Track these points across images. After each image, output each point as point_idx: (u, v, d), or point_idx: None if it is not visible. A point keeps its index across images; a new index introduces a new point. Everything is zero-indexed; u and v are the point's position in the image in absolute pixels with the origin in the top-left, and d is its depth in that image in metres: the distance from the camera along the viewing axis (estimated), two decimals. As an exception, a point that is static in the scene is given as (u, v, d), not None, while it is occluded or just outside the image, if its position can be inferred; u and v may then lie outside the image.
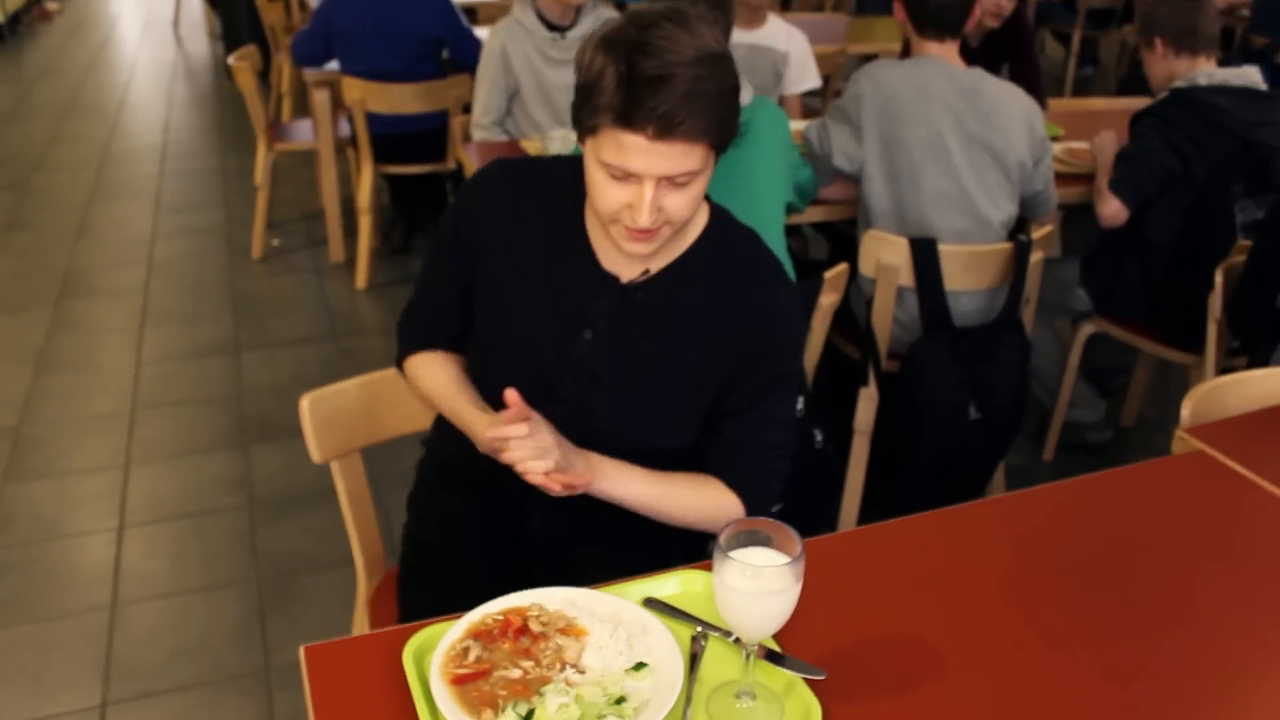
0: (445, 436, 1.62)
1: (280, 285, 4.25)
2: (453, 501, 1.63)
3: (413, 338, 1.61)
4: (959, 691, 1.16)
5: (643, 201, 1.29)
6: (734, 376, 1.47)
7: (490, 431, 1.33)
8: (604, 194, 1.32)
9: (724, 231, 1.47)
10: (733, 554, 1.07)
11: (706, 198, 1.48)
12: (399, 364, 1.63)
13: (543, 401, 1.41)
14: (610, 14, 3.18)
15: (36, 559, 2.66)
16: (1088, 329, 2.95)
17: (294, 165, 5.35)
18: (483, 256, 1.49)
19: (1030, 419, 3.13)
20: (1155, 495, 1.55)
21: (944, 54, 2.51)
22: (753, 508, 1.47)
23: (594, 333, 1.45)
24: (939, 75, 2.46)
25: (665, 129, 1.23)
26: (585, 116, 1.30)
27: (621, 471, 1.44)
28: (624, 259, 1.43)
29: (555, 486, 1.35)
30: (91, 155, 5.77)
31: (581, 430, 1.44)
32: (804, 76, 3.56)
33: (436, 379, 1.57)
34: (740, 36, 3.22)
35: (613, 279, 1.45)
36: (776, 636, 1.20)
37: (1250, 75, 2.65)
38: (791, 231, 3.22)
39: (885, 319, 2.54)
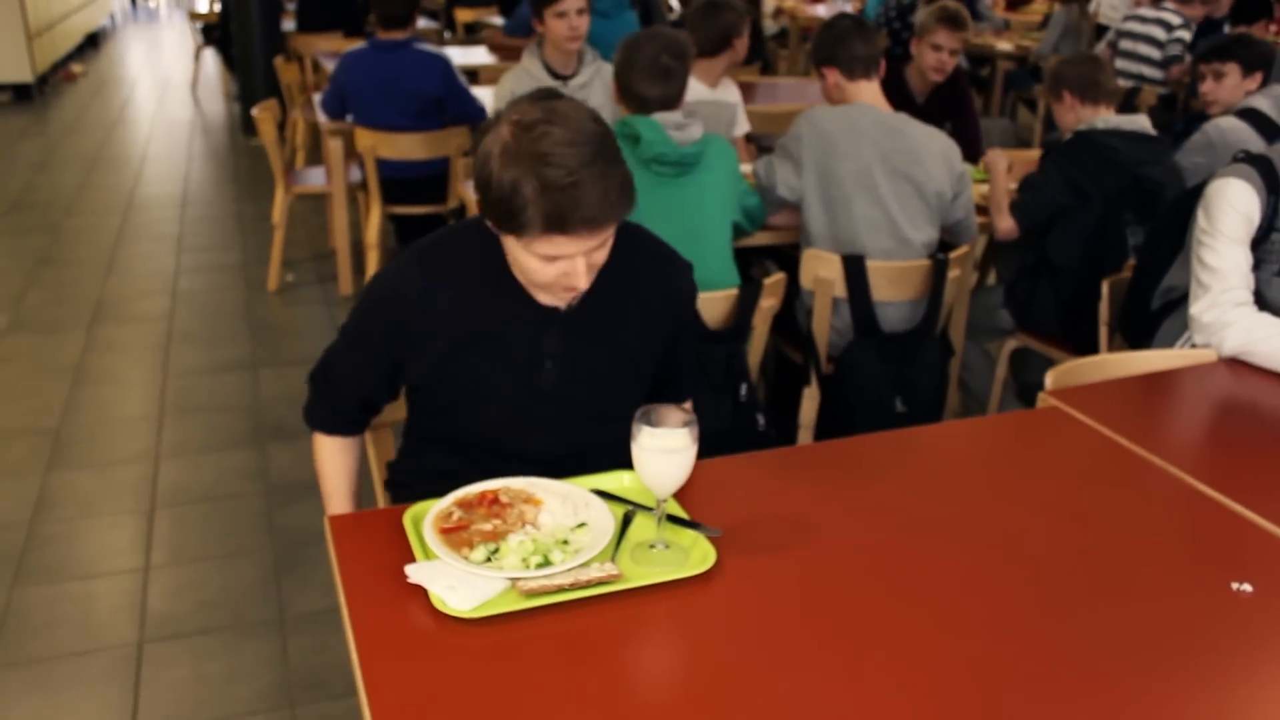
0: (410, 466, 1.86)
1: (293, 314, 4.65)
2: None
3: (323, 418, 1.81)
4: (825, 558, 1.49)
5: (578, 272, 1.50)
6: (671, 340, 1.78)
7: None
8: (538, 273, 1.51)
9: (625, 236, 1.63)
10: (646, 426, 1.45)
11: None
12: (308, 422, 1.84)
13: (523, 435, 1.69)
14: (607, 68, 3.61)
15: (78, 532, 3.03)
16: (1011, 344, 3.35)
17: (305, 210, 5.78)
18: (418, 345, 1.64)
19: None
20: (1016, 441, 1.90)
21: (872, 96, 2.93)
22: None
23: (553, 361, 1.66)
24: (868, 118, 2.88)
25: (594, 227, 1.45)
26: (510, 222, 1.46)
27: None
28: None
29: None
30: (117, 201, 6.21)
31: (564, 444, 1.72)
32: (742, 123, 3.98)
33: (333, 469, 1.80)
34: (706, 94, 3.66)
35: (553, 311, 1.64)
36: (687, 510, 1.56)
37: (1140, 122, 3.09)
38: (756, 258, 3.64)
39: (823, 326, 2.94)
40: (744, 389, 2.68)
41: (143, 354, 4.19)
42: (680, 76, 2.67)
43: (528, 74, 3.64)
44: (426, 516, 1.52)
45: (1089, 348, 3.06)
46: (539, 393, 1.69)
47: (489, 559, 1.44)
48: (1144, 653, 1.32)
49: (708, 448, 1.53)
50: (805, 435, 3.01)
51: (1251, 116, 3.36)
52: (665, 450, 1.44)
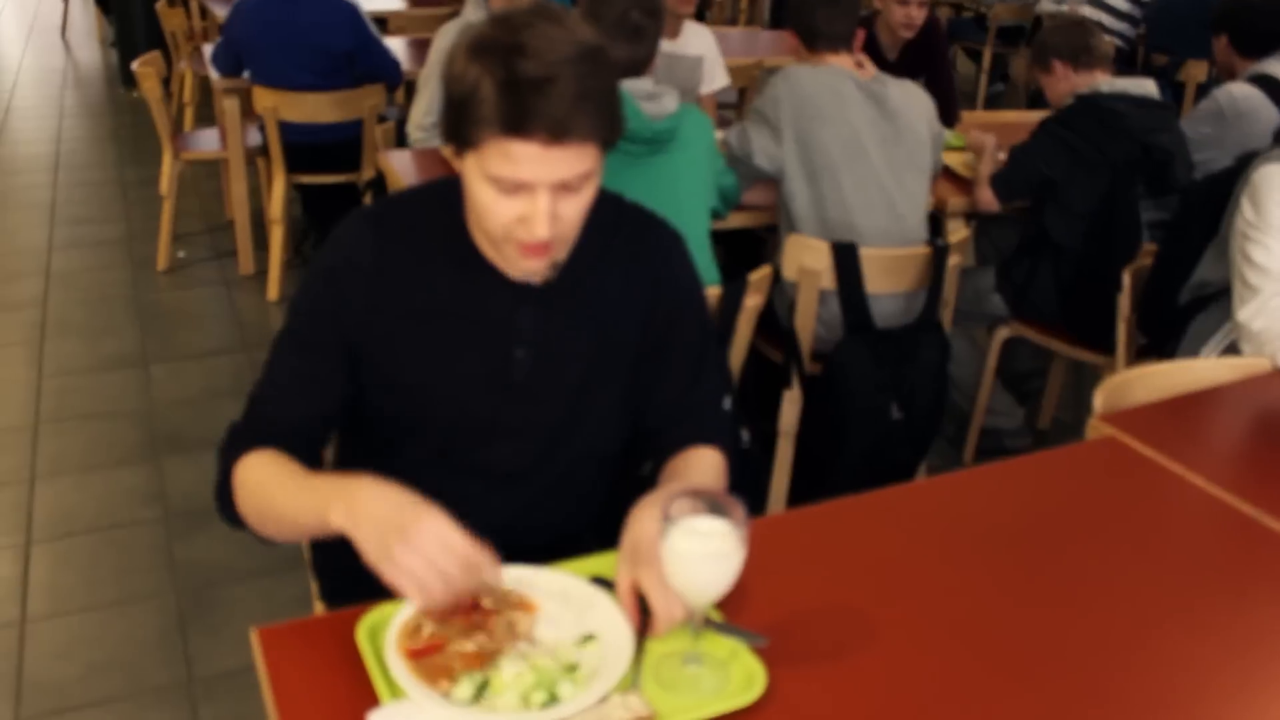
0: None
1: (188, 298, 4.16)
2: None
3: (250, 434, 1.35)
4: (892, 656, 1.22)
5: (537, 212, 1.23)
6: (665, 340, 1.47)
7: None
8: (493, 211, 1.25)
9: (603, 204, 1.38)
10: (681, 521, 1.10)
11: None
12: (222, 486, 1.34)
13: (484, 442, 1.41)
14: None
15: (-64, 577, 2.56)
16: (1003, 333, 3.07)
17: (198, 176, 5.22)
18: (369, 321, 1.37)
19: (949, 424, 3.23)
20: (1072, 478, 1.64)
21: (841, 64, 2.62)
22: (727, 449, 1.50)
23: (525, 348, 1.40)
24: (848, 80, 2.57)
25: (558, 133, 1.18)
26: (464, 130, 1.22)
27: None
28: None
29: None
30: (-22, 164, 5.57)
31: (532, 454, 1.44)
32: (714, 76, 3.65)
33: (267, 471, 1.30)
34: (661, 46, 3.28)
35: (528, 286, 1.38)
36: (721, 613, 1.24)
37: (1147, 86, 2.83)
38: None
39: (808, 321, 2.61)
40: (727, 401, 2.34)
41: (11, 349, 3.66)
42: (652, 36, 2.32)
43: (471, 27, 3.20)
44: (388, 632, 1.15)
45: (1093, 339, 2.80)
46: (508, 388, 1.40)
47: (478, 696, 1.09)
48: None
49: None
50: (785, 444, 2.69)
51: (1265, 83, 3.11)
52: (707, 557, 1.11)
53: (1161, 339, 2.45)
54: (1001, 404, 3.22)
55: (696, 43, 3.56)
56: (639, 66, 2.33)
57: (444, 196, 1.37)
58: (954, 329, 3.08)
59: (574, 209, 1.26)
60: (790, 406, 2.67)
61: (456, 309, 1.38)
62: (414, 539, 1.11)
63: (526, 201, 1.23)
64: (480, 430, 1.42)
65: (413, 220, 1.40)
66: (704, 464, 1.45)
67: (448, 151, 1.30)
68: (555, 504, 1.50)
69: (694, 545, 1.11)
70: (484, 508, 1.29)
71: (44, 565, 2.62)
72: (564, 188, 1.24)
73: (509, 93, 1.17)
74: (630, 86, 2.25)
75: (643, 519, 1.23)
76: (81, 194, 5.20)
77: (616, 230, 1.43)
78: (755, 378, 2.95)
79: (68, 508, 2.84)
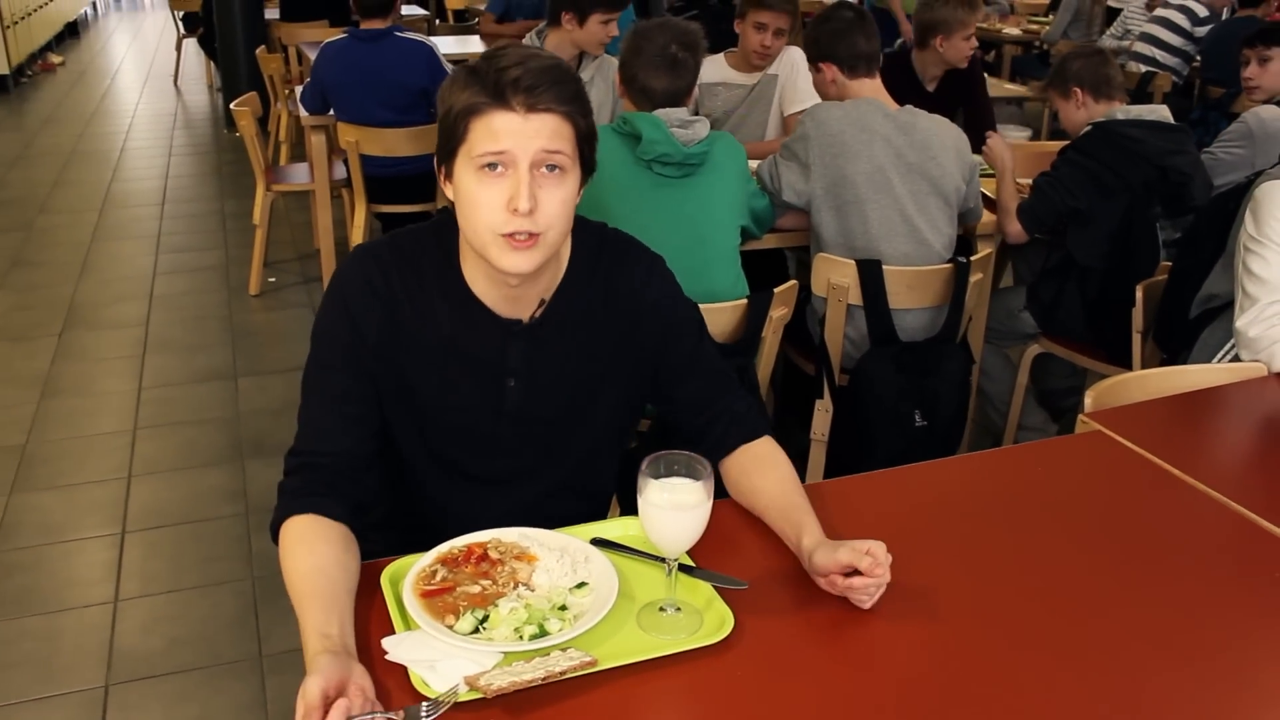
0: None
1: (276, 319, 4.45)
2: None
3: (301, 489, 1.38)
4: (850, 608, 1.32)
5: (519, 186, 1.33)
6: (661, 354, 1.56)
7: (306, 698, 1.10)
8: (480, 202, 1.35)
9: (582, 233, 1.52)
10: (653, 479, 1.26)
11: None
12: (274, 528, 1.39)
13: (488, 457, 1.54)
14: (608, 61, 3.42)
15: (43, 560, 2.83)
16: (1034, 349, 3.16)
17: (289, 208, 5.58)
18: (377, 355, 1.47)
19: (985, 438, 3.33)
20: (1058, 467, 1.73)
21: (874, 92, 2.75)
22: (769, 427, 1.59)
23: (516, 379, 1.51)
24: (876, 114, 2.69)
25: (533, 98, 1.32)
26: (454, 130, 1.35)
27: (815, 529, 1.39)
28: (517, 301, 1.47)
29: None
30: (93, 198, 6.00)
31: (529, 471, 1.57)
32: (798, 97, 3.62)
33: (315, 561, 1.31)
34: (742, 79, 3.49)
35: (516, 323, 1.49)
36: (701, 562, 1.38)
37: (1161, 111, 2.92)
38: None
39: (837, 335, 2.75)
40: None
41: (116, 363, 3.99)
42: (690, 69, 2.48)
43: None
44: (407, 576, 1.34)
45: (1119, 355, 2.88)
46: (501, 413, 1.53)
47: (477, 629, 1.26)
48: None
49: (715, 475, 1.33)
50: (818, 451, 2.83)
51: (1295, 105, 3.18)
52: (675, 507, 1.27)
53: (1175, 351, 2.53)
54: (1035, 419, 3.30)
55: (776, 64, 3.66)
56: (679, 97, 2.48)
57: (439, 235, 1.48)
58: (987, 346, 3.20)
59: (552, 200, 1.36)
60: (822, 415, 2.80)
61: (453, 342, 1.49)
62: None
63: (510, 183, 1.33)
64: (479, 446, 1.55)
65: (412, 257, 1.48)
66: (767, 463, 1.53)
67: (444, 184, 1.43)
68: (556, 502, 1.60)
69: (667, 497, 1.26)
70: (489, 508, 1.46)
71: (136, 552, 2.88)
72: (543, 173, 1.34)
73: (489, 75, 1.33)
74: (666, 114, 2.43)
75: (825, 543, 1.34)
76: (184, 225, 5.58)
77: (599, 256, 1.53)
78: (788, 388, 3.11)
79: (159, 503, 3.10)
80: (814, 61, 2.86)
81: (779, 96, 3.70)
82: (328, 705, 1.09)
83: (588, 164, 1.42)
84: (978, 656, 1.26)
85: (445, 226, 1.48)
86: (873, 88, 2.79)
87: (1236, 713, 1.20)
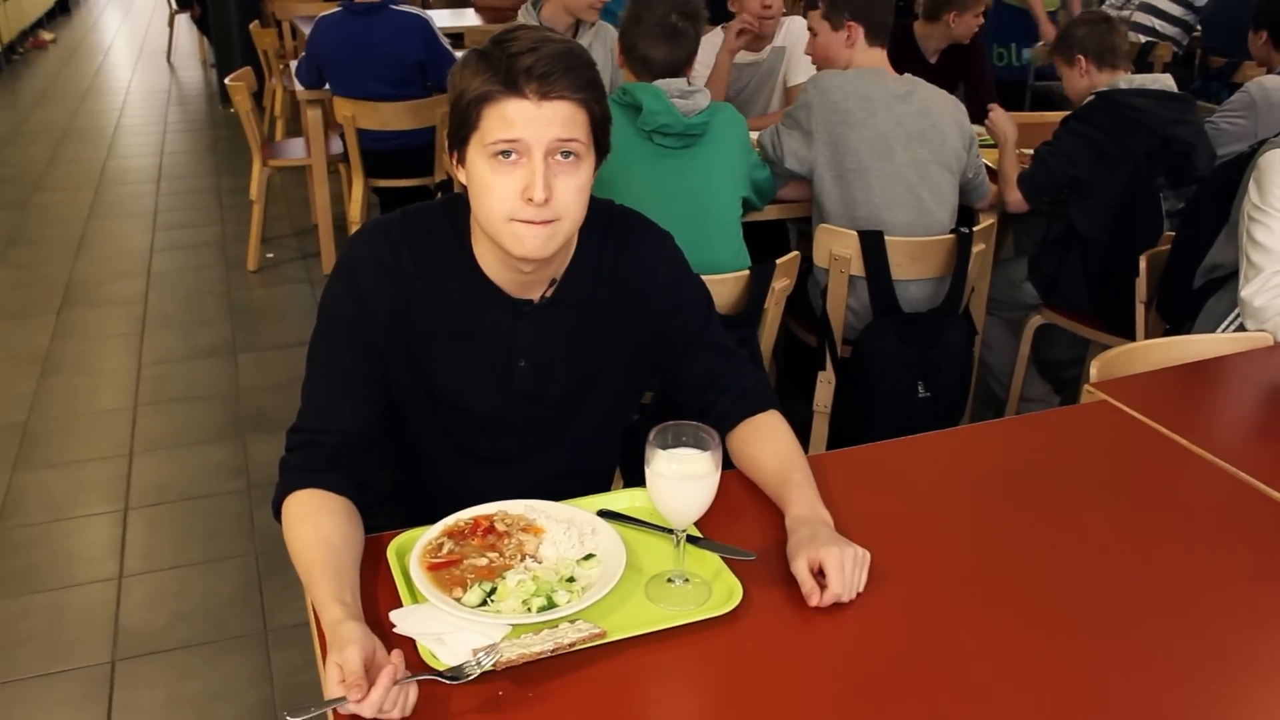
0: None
1: (274, 295, 4.44)
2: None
3: (304, 464, 1.37)
4: (865, 587, 1.30)
5: (534, 174, 1.31)
6: (670, 333, 1.55)
7: (333, 658, 1.10)
8: (494, 189, 1.33)
9: (590, 211, 1.46)
10: (661, 449, 1.26)
11: None
12: (276, 504, 1.38)
13: (495, 437, 1.54)
14: (606, 29, 3.40)
15: (46, 537, 2.84)
16: (1036, 320, 3.16)
17: (286, 184, 5.55)
18: (385, 333, 1.45)
19: (987, 410, 3.33)
20: (1064, 437, 1.73)
21: (881, 63, 2.75)
22: (777, 403, 1.57)
23: (527, 360, 1.50)
24: (878, 82, 2.68)
25: (546, 85, 1.29)
26: (466, 117, 1.33)
27: (802, 502, 1.39)
28: (527, 282, 1.46)
29: None
30: (89, 176, 5.97)
31: (536, 450, 1.57)
32: (798, 69, 3.60)
33: (320, 532, 1.30)
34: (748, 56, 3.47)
35: (527, 303, 1.47)
36: (709, 533, 1.38)
37: (1164, 80, 2.91)
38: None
39: (839, 306, 2.74)
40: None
41: (116, 340, 3.98)
42: (691, 39, 2.47)
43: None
44: (413, 549, 1.33)
45: (1121, 326, 2.88)
46: (511, 393, 1.52)
47: (485, 602, 1.26)
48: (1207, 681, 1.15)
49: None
50: (820, 422, 2.83)
51: (1298, 75, 3.16)
52: (683, 477, 1.26)
53: (1178, 321, 2.52)
54: (1037, 390, 3.30)
55: (782, 35, 3.61)
56: (678, 67, 2.48)
57: (451, 214, 1.46)
58: (989, 317, 3.19)
59: (567, 188, 1.34)
60: (824, 387, 2.80)
61: (464, 322, 1.47)
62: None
63: (524, 171, 1.32)
64: (487, 425, 1.54)
65: (424, 235, 1.47)
66: (766, 434, 1.52)
67: (456, 169, 1.41)
68: (563, 481, 1.56)
69: (675, 468, 1.26)
70: (497, 486, 1.44)
71: (140, 529, 2.88)
72: (557, 161, 1.33)
73: (501, 61, 1.30)
74: (666, 85, 2.41)
75: (807, 524, 1.34)
76: (181, 201, 5.55)
77: (608, 235, 1.52)
78: (790, 360, 3.10)
79: (162, 479, 3.10)
80: (838, 17, 2.76)
81: (785, 68, 3.68)
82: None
83: (602, 147, 1.41)
84: (983, 628, 1.26)
85: (457, 205, 1.46)
86: (880, 58, 2.78)
87: (1247, 681, 1.20)
